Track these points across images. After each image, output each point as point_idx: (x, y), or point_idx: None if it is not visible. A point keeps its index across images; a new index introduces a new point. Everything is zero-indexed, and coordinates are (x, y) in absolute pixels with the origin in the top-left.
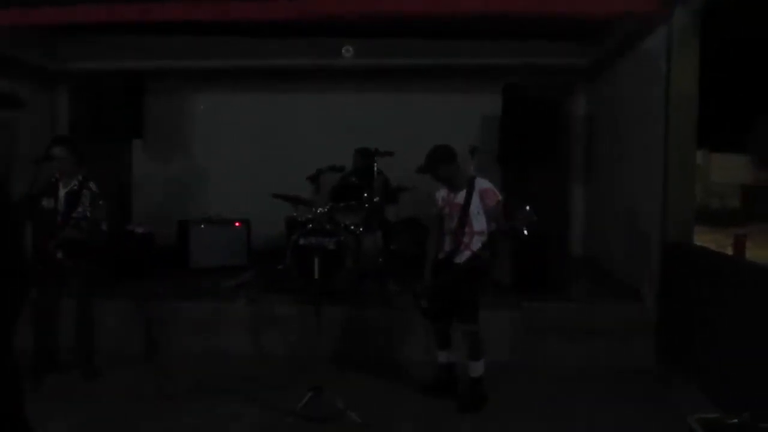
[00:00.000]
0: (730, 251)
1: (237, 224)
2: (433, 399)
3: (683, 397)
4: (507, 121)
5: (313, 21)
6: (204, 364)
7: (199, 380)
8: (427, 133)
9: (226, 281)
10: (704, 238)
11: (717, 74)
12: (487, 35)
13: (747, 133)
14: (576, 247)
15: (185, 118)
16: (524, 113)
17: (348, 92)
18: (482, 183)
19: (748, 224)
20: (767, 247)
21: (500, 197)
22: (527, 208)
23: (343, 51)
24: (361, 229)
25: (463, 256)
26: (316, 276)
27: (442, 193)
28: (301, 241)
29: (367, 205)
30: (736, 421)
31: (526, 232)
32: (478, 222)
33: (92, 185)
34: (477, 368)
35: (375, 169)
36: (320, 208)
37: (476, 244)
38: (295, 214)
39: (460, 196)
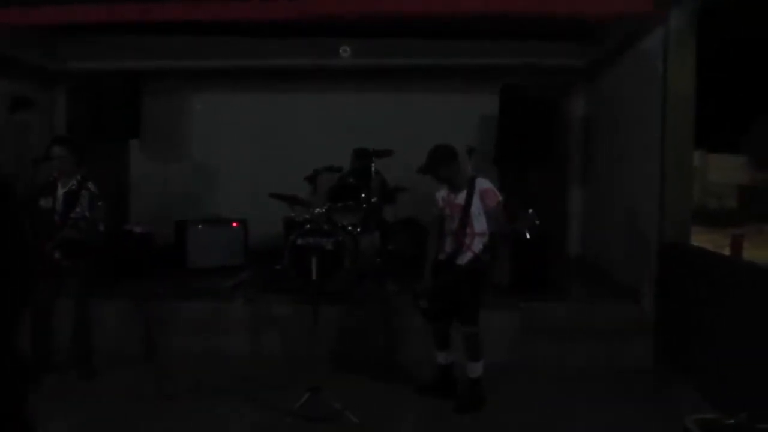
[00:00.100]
0: (727, 251)
1: (234, 224)
2: (431, 399)
3: (682, 398)
4: (504, 121)
5: (313, 21)
6: (203, 364)
7: (198, 380)
8: (426, 133)
9: (223, 281)
10: (701, 239)
11: (714, 74)
12: (487, 35)
13: (744, 133)
14: (574, 248)
15: (185, 118)
16: (522, 114)
17: (348, 92)
18: (483, 183)
19: (745, 224)
20: (764, 248)
21: (501, 198)
22: (530, 211)
23: (340, 51)
24: (358, 230)
25: (464, 257)
26: (314, 276)
27: (442, 194)
28: (299, 242)
29: (364, 206)
30: (733, 421)
31: (528, 235)
32: (479, 223)
33: (91, 185)
34: (476, 369)
35: (372, 169)
36: (318, 209)
37: (477, 245)
38: (292, 214)
39: (461, 197)
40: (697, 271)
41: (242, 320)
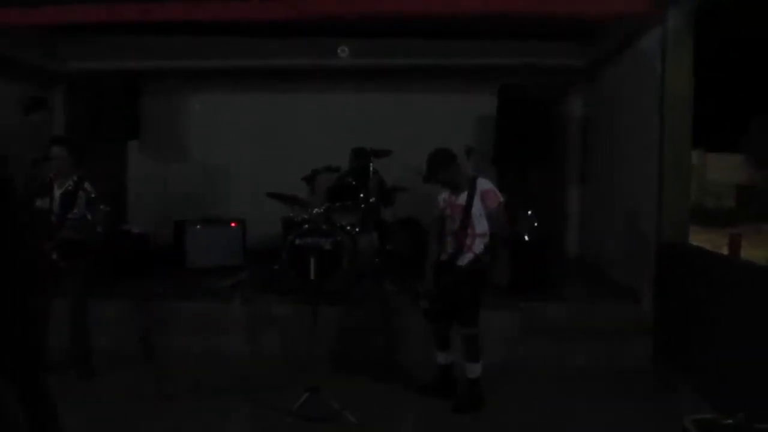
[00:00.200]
0: (725, 251)
1: (233, 224)
2: (431, 399)
3: (681, 398)
4: (503, 121)
5: (312, 21)
6: (203, 364)
7: (198, 380)
8: (426, 133)
9: (221, 281)
10: (699, 238)
11: (712, 74)
12: (487, 35)
13: (742, 133)
14: (573, 248)
15: (184, 118)
16: (520, 114)
17: (348, 92)
18: (483, 184)
19: (743, 224)
20: (762, 247)
21: (502, 198)
22: (529, 213)
23: (339, 51)
24: (357, 230)
25: (465, 259)
26: (313, 276)
27: (444, 195)
28: (298, 242)
29: (363, 206)
30: (731, 421)
31: (527, 237)
32: (480, 224)
33: (88, 186)
34: (475, 369)
35: (371, 169)
36: (316, 209)
37: (478, 246)
38: (291, 214)
39: (462, 198)
40: (696, 271)
41: (242, 320)
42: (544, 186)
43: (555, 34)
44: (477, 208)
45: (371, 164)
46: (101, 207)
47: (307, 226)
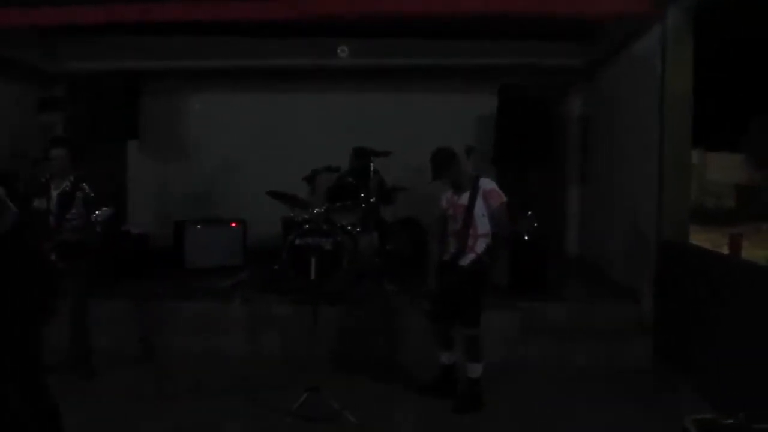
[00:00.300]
0: (725, 251)
1: (233, 224)
2: (431, 399)
3: (681, 398)
4: (503, 121)
5: (312, 21)
6: (203, 364)
7: (198, 380)
8: (426, 133)
9: (221, 281)
10: (700, 238)
11: (713, 73)
12: (487, 35)
13: (742, 132)
14: (572, 248)
15: (185, 118)
16: (520, 114)
17: (348, 92)
18: (486, 183)
19: (743, 224)
20: (762, 247)
21: (504, 198)
22: (529, 213)
23: (338, 51)
24: (357, 230)
25: (467, 259)
26: (313, 276)
27: (446, 195)
28: (298, 242)
29: (363, 206)
30: (731, 421)
31: (527, 237)
32: (482, 224)
33: (85, 186)
34: (476, 369)
35: (371, 168)
36: (317, 209)
37: (480, 246)
38: (291, 214)
39: (464, 197)
40: (696, 271)
41: (242, 320)
42: (544, 186)
43: (555, 34)
44: (479, 208)
45: (371, 164)
46: (104, 209)
47: (307, 226)
